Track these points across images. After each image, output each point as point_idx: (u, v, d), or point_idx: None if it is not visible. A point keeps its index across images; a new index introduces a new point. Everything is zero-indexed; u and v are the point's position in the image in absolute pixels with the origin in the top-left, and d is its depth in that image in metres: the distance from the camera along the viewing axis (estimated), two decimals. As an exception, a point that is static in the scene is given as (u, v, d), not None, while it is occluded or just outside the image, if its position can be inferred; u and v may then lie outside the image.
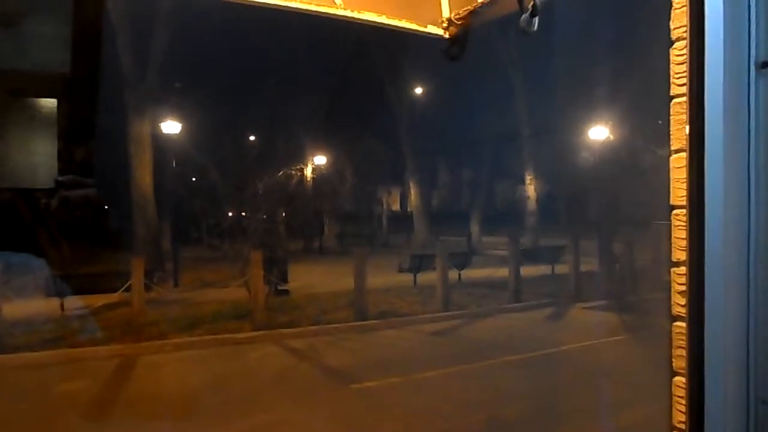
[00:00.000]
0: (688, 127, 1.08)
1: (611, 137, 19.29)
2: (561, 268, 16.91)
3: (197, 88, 22.65)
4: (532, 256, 18.36)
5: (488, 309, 13.12)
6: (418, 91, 29.73)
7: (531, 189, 28.21)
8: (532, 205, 28.14)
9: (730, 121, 1.00)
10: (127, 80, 18.79)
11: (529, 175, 28.28)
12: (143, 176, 19.23)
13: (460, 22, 2.13)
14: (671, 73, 1.16)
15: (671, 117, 1.16)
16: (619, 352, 9.47)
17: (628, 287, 14.39)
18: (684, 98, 1.11)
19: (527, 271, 15.33)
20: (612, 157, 19.18)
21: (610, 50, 20.32)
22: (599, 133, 19.42)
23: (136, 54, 18.89)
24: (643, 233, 15.73)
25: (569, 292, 14.44)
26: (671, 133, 1.16)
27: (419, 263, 16.01)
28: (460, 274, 16.14)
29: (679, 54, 1.13)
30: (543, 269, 17.41)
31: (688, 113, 1.07)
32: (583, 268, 15.19)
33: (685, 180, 1.11)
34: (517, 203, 30.78)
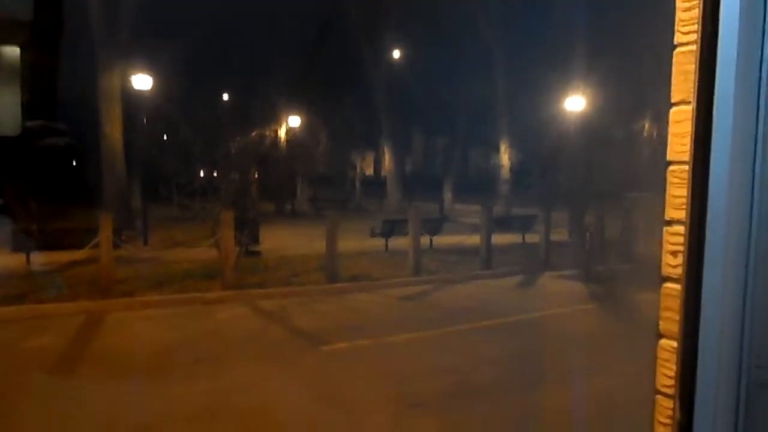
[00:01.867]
0: (695, 77, 1.01)
1: (588, 108, 19.33)
2: (532, 237, 17.06)
3: (171, 44, 22.08)
4: (503, 224, 18.48)
5: (459, 275, 13.20)
6: (396, 55, 29.41)
7: (505, 157, 28.33)
8: (505, 173, 28.30)
9: (743, 70, 0.95)
10: (97, 31, 18.24)
11: (504, 144, 28.35)
12: (113, 131, 18.83)
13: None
14: (676, 20, 1.09)
15: (674, 67, 1.10)
16: (586, 319, 9.62)
17: (597, 257, 14.58)
18: (692, 47, 1.05)
19: (499, 239, 15.43)
20: (587, 128, 19.26)
21: (591, 20, 20.25)
22: (576, 103, 19.44)
23: (107, 5, 18.29)
24: (615, 205, 15.92)
25: (539, 261, 14.60)
26: (673, 84, 1.10)
27: (391, 228, 16.01)
28: (431, 240, 16.19)
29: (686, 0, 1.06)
30: (514, 238, 17.56)
31: (698, 61, 1.01)
32: (554, 237, 15.34)
33: (687, 134, 1.06)
34: (491, 171, 30.91)
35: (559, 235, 15.74)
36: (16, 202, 14.98)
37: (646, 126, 18.68)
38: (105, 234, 10.84)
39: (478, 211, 15.81)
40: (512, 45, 27.36)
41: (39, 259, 12.50)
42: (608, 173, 18.35)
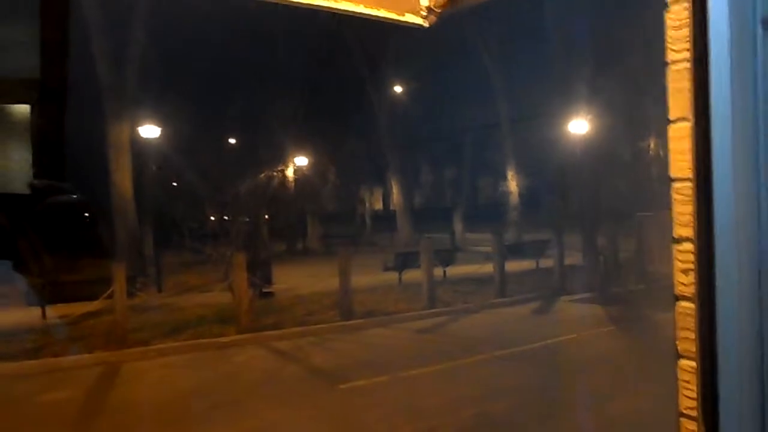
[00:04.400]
0: (691, 95, 1.01)
1: (591, 130, 19.35)
2: (545, 262, 16.95)
3: (175, 90, 22.42)
4: (516, 251, 18.40)
5: (474, 305, 13.10)
6: (398, 88, 29.67)
7: (513, 184, 28.30)
8: (514, 200, 28.24)
9: (738, 86, 0.94)
10: (103, 83, 18.57)
11: (511, 170, 28.36)
12: (123, 181, 19.00)
13: (439, 10, 2.06)
14: (666, 37, 1.09)
15: (669, 84, 1.10)
16: (605, 343, 9.49)
17: (612, 279, 14.46)
18: (685, 64, 1.05)
19: (512, 266, 15.34)
20: (593, 150, 19.25)
21: (592, 39, 20.37)
22: (579, 126, 19.47)
23: (112, 56, 18.65)
24: (626, 225, 15.82)
25: (554, 286, 14.47)
26: (669, 102, 1.10)
27: (404, 261, 15.96)
28: (445, 271, 16.12)
29: (676, 17, 1.06)
30: (527, 264, 17.44)
31: (692, 78, 1.01)
32: (567, 261, 15.23)
33: (687, 151, 1.05)
34: (500, 199, 30.84)
35: (573, 258, 15.62)
36: (31, 257, 15.09)
37: (652, 143, 18.66)
38: (119, 284, 10.88)
39: (489, 239, 15.76)
40: (513, 70, 27.57)
41: (54, 312, 12.53)
42: (617, 193, 18.30)
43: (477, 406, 6.55)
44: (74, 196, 17.35)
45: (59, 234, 15.37)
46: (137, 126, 19.02)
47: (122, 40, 18.89)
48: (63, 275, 14.35)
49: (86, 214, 19.72)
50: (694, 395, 1.07)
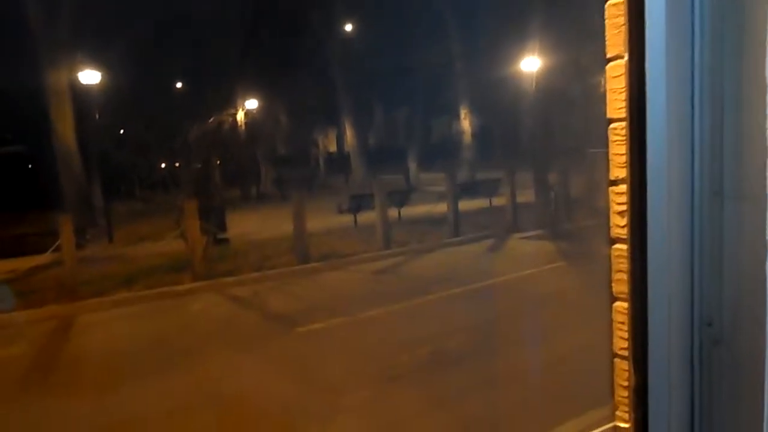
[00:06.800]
0: (626, 31, 0.98)
1: (544, 67, 19.34)
2: (498, 201, 17.16)
3: (117, 34, 21.45)
4: (469, 190, 18.56)
5: (429, 245, 13.25)
6: (348, 27, 29.04)
7: (466, 123, 28.33)
8: (467, 139, 28.33)
9: (673, 23, 0.91)
10: (36, 28, 17.64)
11: (464, 110, 28.34)
12: (65, 130, 18.33)
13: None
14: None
15: (606, 21, 1.06)
16: (555, 278, 9.74)
17: (563, 216, 14.74)
18: (621, -1, 1.01)
19: (465, 205, 15.50)
20: (544, 87, 19.29)
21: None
22: (532, 63, 19.44)
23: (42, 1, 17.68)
24: (578, 162, 16.05)
25: (506, 224, 14.70)
26: (606, 39, 1.06)
27: (358, 203, 15.97)
28: (399, 212, 16.20)
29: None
30: (481, 203, 17.65)
31: (626, 15, 0.97)
32: (519, 199, 15.44)
33: (623, 90, 1.02)
34: (453, 138, 30.90)
35: (525, 196, 15.85)
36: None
37: (603, 80, 18.76)
38: (66, 235, 10.62)
39: (443, 179, 15.82)
40: (464, 8, 27.20)
41: (1, 267, 12.19)
42: (569, 130, 18.47)
43: (432, 344, 6.68)
44: (16, 147, 16.70)
45: (3, 186, 14.83)
46: (76, 71, 18.20)
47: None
48: (9, 229, 13.92)
49: (29, 166, 19.05)
50: (627, 336, 1.08)
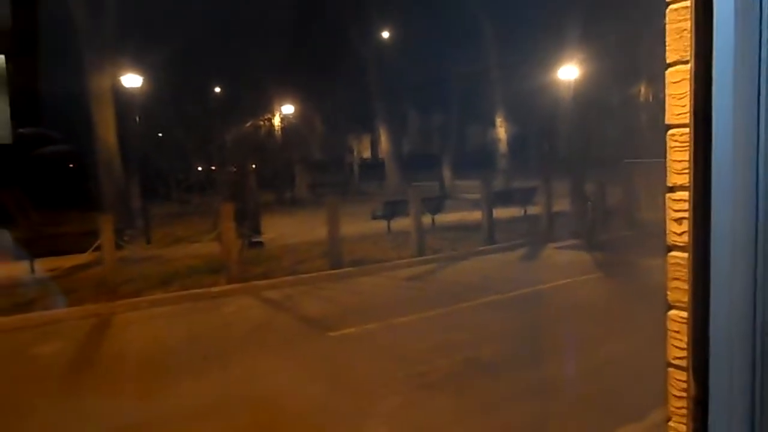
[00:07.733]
0: (691, 35, 0.96)
1: (581, 76, 19.16)
2: (533, 209, 17.01)
3: (158, 40, 21.89)
4: (504, 198, 18.43)
5: (462, 252, 13.18)
6: (385, 34, 29.15)
7: (501, 131, 28.18)
8: (503, 147, 28.16)
9: (742, 27, 0.89)
10: (81, 32, 18.08)
11: (499, 117, 28.19)
12: (107, 133, 18.71)
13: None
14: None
15: (667, 25, 1.05)
16: (591, 289, 9.60)
17: (599, 226, 14.55)
18: (685, 3, 0.99)
19: (500, 213, 15.40)
20: (582, 96, 19.11)
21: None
22: (569, 72, 19.27)
23: (88, 2, 18.12)
24: (614, 172, 15.84)
25: (541, 233, 14.56)
26: (667, 44, 1.05)
27: (392, 210, 15.96)
28: (433, 219, 16.16)
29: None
30: (515, 211, 17.51)
31: (692, 20, 0.96)
32: (554, 208, 15.29)
33: (685, 95, 1.01)
34: (488, 146, 30.74)
35: (561, 205, 15.68)
36: (16, 210, 14.93)
37: (642, 89, 18.52)
38: (106, 236, 10.83)
39: (478, 186, 15.74)
40: (502, 16, 27.10)
41: (43, 265, 12.47)
42: (606, 140, 18.25)
43: (466, 351, 6.64)
44: (63, 146, 17.06)
45: (47, 186, 15.18)
46: (118, 75, 18.60)
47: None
48: (51, 228, 14.23)
49: (71, 165, 19.47)
50: (684, 345, 1.06)
